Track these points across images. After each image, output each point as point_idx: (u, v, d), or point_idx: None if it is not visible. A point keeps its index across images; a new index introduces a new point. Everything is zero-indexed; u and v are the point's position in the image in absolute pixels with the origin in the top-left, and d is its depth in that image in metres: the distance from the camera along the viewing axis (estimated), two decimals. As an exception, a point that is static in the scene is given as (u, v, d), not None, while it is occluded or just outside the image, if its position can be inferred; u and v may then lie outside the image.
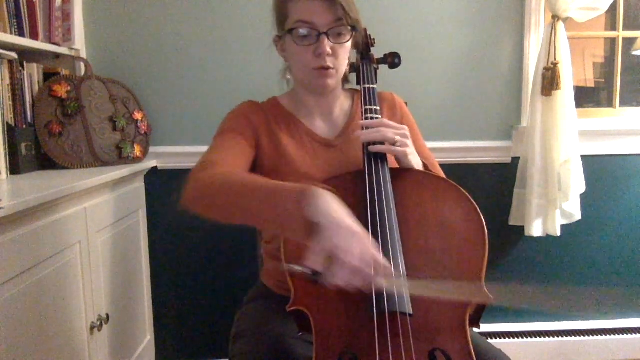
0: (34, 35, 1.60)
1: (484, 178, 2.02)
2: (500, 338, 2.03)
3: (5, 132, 1.45)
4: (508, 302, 0.77)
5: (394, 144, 1.02)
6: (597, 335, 2.07)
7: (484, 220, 0.94)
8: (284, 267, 0.73)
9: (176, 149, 1.92)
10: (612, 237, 2.08)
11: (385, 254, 0.84)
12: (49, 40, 1.67)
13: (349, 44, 1.09)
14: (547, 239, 1.98)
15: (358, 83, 1.20)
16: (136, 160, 1.80)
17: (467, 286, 0.86)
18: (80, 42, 1.83)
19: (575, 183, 1.88)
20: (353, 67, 1.24)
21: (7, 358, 1.06)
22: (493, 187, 2.03)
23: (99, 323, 1.45)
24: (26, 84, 1.58)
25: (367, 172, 0.99)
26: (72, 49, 1.78)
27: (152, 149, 1.90)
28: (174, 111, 1.93)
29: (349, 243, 0.71)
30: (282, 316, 1.00)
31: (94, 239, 1.47)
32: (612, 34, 2.14)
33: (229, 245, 1.97)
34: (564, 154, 1.86)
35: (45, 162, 1.63)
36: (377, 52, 1.28)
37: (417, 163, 1.05)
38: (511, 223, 1.99)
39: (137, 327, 1.83)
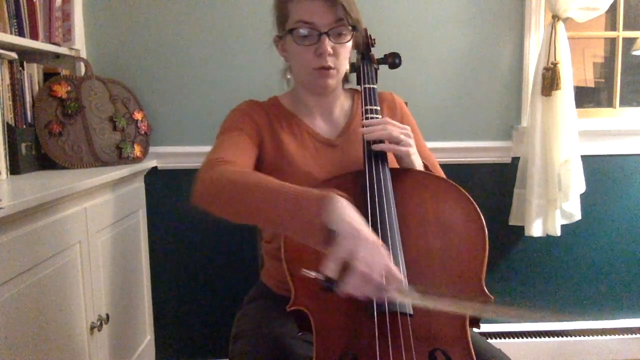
0: (34, 35, 1.60)
1: (484, 178, 2.02)
2: (500, 338, 2.03)
3: (5, 132, 1.45)
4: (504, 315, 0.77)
5: (398, 142, 1.02)
6: (597, 335, 2.07)
7: (484, 220, 0.94)
8: (301, 272, 0.73)
9: (176, 149, 1.92)
10: (612, 237, 2.08)
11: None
12: (49, 40, 1.67)
13: (349, 44, 1.09)
14: (547, 239, 1.98)
15: (358, 83, 1.20)
16: (136, 160, 1.80)
17: (476, 303, 0.85)
18: (80, 42, 1.83)
19: (575, 183, 1.88)
20: (353, 67, 1.24)
21: (7, 358, 1.06)
22: (493, 187, 2.03)
23: (99, 323, 1.45)
24: (26, 84, 1.58)
25: (367, 171, 0.99)
26: (72, 49, 1.78)
27: (152, 149, 1.90)
28: (174, 111, 1.93)
29: (366, 253, 0.71)
30: (282, 316, 1.00)
31: (94, 239, 1.47)
32: (612, 34, 2.14)
33: (229, 245, 1.97)
34: (564, 154, 1.86)
35: (45, 162, 1.63)
36: (377, 52, 1.28)
37: (418, 164, 1.05)
38: (511, 223, 1.99)
39: (137, 327, 1.83)
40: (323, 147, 1.14)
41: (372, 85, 1.16)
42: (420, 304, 0.74)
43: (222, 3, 1.89)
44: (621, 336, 2.08)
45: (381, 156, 1.02)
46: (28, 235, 1.14)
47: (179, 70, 1.91)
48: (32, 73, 1.62)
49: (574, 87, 1.90)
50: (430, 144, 1.24)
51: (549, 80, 1.84)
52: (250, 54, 1.91)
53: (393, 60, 1.28)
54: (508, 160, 2.02)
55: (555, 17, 1.84)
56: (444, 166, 1.21)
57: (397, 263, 0.85)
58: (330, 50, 1.05)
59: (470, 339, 0.85)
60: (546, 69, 1.85)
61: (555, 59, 1.84)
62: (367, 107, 1.11)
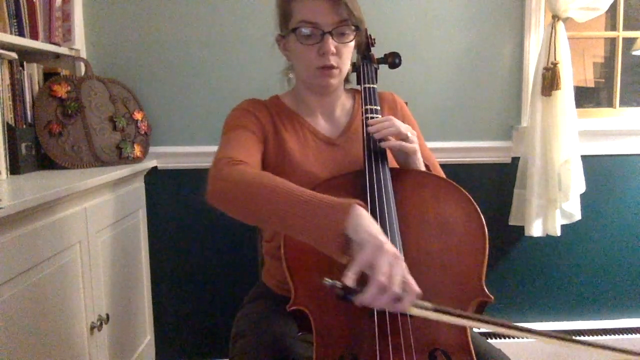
0: (34, 35, 1.60)
1: (484, 178, 2.02)
2: (500, 338, 2.03)
3: (5, 132, 1.45)
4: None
5: (405, 139, 1.02)
6: (597, 335, 2.07)
7: (484, 220, 0.95)
8: (322, 281, 0.72)
9: (176, 149, 1.92)
10: (612, 237, 2.08)
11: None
12: (49, 40, 1.67)
13: (352, 44, 1.10)
14: (547, 239, 1.98)
15: (358, 83, 1.21)
16: (136, 160, 1.80)
17: (485, 316, 0.84)
18: (80, 42, 1.83)
19: (575, 183, 1.88)
20: (353, 67, 1.24)
21: (7, 358, 1.06)
22: (493, 187, 2.03)
23: (99, 323, 1.45)
24: (26, 84, 1.58)
25: (367, 171, 0.99)
26: (72, 49, 1.78)
27: (152, 149, 1.89)
28: (174, 111, 1.93)
29: (387, 264, 0.71)
30: (282, 316, 1.00)
31: (94, 239, 1.46)
32: (612, 34, 2.14)
33: (229, 246, 1.97)
34: (564, 154, 1.86)
35: (45, 162, 1.63)
36: (377, 52, 1.28)
37: (421, 163, 1.05)
38: (511, 223, 1.99)
39: (137, 327, 1.82)
40: (324, 146, 1.15)
41: (372, 85, 1.17)
42: (431, 317, 0.73)
43: (222, 3, 1.89)
44: (621, 336, 2.07)
45: (382, 156, 1.02)
46: (28, 235, 1.14)
47: (179, 70, 1.91)
48: (32, 73, 1.62)
49: (574, 87, 1.90)
50: (430, 144, 1.24)
51: (549, 80, 1.84)
52: (250, 54, 1.91)
53: (393, 60, 1.28)
54: (508, 160, 2.02)
55: (555, 17, 1.84)
56: (444, 166, 1.21)
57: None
58: (333, 49, 1.05)
59: (470, 338, 0.85)
60: (546, 69, 1.85)
61: (555, 59, 1.84)
62: (367, 107, 1.11)
